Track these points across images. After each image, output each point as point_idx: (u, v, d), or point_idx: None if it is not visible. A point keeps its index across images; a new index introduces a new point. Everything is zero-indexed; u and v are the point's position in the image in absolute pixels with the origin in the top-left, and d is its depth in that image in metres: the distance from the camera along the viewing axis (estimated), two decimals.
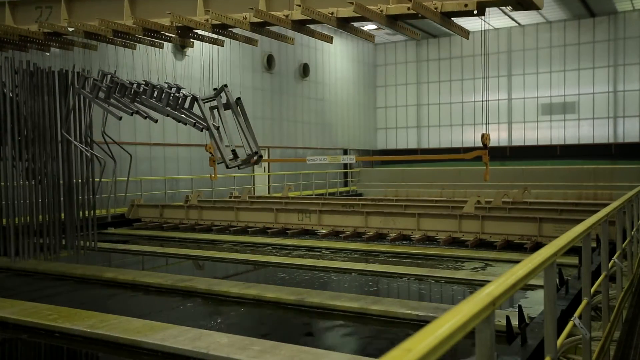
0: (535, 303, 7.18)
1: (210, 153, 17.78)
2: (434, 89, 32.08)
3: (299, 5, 6.62)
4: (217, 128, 7.27)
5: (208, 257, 11.55)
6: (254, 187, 21.54)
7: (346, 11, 6.33)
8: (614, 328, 4.91)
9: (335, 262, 10.58)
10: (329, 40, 8.15)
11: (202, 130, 7.37)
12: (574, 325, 3.32)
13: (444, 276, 9.18)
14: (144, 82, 8.38)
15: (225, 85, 7.31)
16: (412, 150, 31.91)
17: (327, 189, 25.44)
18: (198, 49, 20.87)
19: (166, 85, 8.07)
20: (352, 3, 6.17)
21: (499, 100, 29.91)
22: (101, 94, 8.35)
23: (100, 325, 6.39)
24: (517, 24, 29.10)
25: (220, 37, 8.56)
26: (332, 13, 6.37)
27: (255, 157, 7.38)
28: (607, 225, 4.71)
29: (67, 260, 10.08)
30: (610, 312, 4.88)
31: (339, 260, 10.87)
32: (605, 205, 7.12)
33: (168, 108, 7.06)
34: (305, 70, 26.68)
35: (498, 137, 29.80)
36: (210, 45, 22.05)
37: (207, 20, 7.19)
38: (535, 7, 5.75)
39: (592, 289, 3.91)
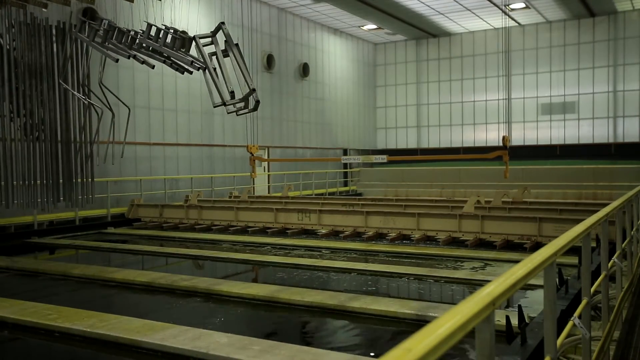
0: (535, 303, 7.18)
1: (251, 153, 17.81)
2: (434, 88, 32.08)
3: None
4: (215, 69, 7.23)
5: (208, 256, 11.55)
6: (253, 187, 21.53)
7: None
8: (613, 328, 4.92)
9: (335, 261, 10.58)
10: None
11: (198, 70, 7.31)
12: (574, 325, 3.32)
13: (443, 276, 9.18)
14: (141, 31, 8.31)
15: (223, 23, 7.22)
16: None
17: (327, 189, 25.44)
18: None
19: (164, 27, 8.01)
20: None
21: (498, 100, 29.91)
22: (98, 39, 8.28)
23: (100, 325, 6.39)
24: (516, 24, 29.11)
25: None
26: None
27: (253, 97, 7.27)
28: (607, 225, 4.71)
29: (67, 260, 10.09)
30: (610, 311, 4.88)
31: (339, 260, 10.86)
32: (605, 205, 7.12)
33: (165, 47, 7.02)
34: (305, 70, 26.68)
35: (498, 137, 29.80)
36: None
37: None
38: None
39: (592, 289, 3.91)
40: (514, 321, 5.46)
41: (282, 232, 14.12)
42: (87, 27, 8.21)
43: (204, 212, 15.73)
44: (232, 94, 7.07)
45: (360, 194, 25.81)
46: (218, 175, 21.42)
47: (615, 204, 5.50)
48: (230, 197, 18.64)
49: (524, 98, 29.69)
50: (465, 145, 31.12)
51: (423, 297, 8.34)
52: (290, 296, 7.67)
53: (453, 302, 7.70)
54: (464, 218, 12.37)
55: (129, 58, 7.90)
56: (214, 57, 7.64)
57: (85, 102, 8.48)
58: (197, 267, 11.13)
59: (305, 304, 7.44)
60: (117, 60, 8.02)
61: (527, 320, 5.40)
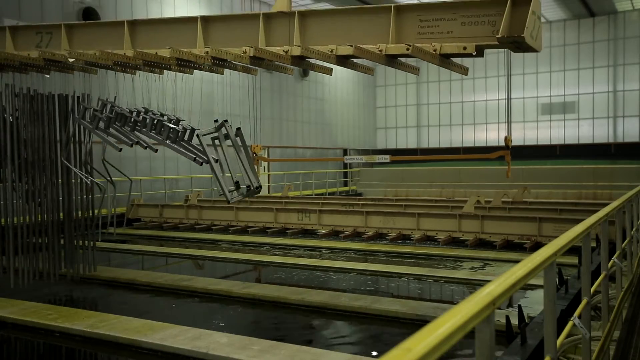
0: (535, 303, 7.18)
1: (254, 153, 17.83)
2: (434, 88, 32.08)
3: (299, 46, 6.50)
4: (217, 161, 7.22)
5: (208, 256, 11.55)
6: None
7: (345, 49, 6.18)
8: (613, 328, 4.91)
9: (335, 261, 10.58)
10: (329, 72, 7.99)
11: (201, 165, 7.30)
12: (574, 325, 3.32)
13: (443, 276, 9.18)
14: (143, 110, 8.28)
15: (226, 121, 7.22)
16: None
17: (326, 189, 25.44)
18: None
19: (166, 118, 7.95)
20: (351, 46, 6.14)
21: (498, 100, 29.92)
22: (101, 124, 8.27)
23: (100, 324, 6.39)
24: None
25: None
26: (332, 51, 6.22)
27: (256, 189, 7.30)
28: (607, 225, 4.71)
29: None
30: (610, 311, 4.88)
31: (339, 260, 10.86)
32: (605, 205, 7.13)
33: (168, 141, 7.02)
34: (305, 70, 26.68)
35: (498, 137, 29.80)
36: None
37: (207, 53, 7.09)
38: (534, 50, 5.72)
39: (592, 289, 3.91)
40: (514, 321, 5.46)
41: (282, 232, 14.12)
42: (90, 112, 8.16)
43: (204, 212, 15.73)
44: (236, 184, 7.09)
45: (360, 194, 25.81)
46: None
47: (615, 204, 5.50)
48: None
49: (524, 98, 29.69)
50: (465, 145, 31.13)
51: (423, 297, 8.34)
52: (290, 296, 7.67)
53: (453, 302, 7.70)
54: (464, 218, 12.37)
55: (131, 146, 7.86)
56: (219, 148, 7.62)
57: (88, 181, 8.52)
58: (197, 267, 11.12)
59: (306, 304, 7.44)
60: (120, 150, 7.99)
61: (527, 320, 5.40)
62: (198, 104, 21.01)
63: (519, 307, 5.50)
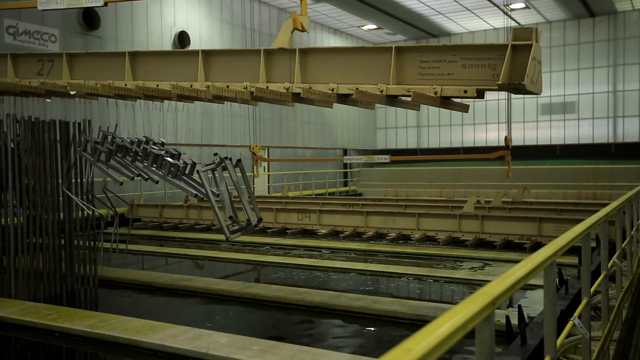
0: (535, 303, 7.18)
1: (254, 153, 17.84)
2: None
3: (300, 85, 6.43)
4: (217, 196, 7.19)
5: (208, 256, 11.55)
6: (253, 187, 21.52)
7: (346, 88, 6.14)
8: (613, 328, 4.91)
9: (335, 261, 10.58)
10: (330, 106, 7.92)
11: (202, 200, 7.26)
12: (574, 325, 3.32)
13: (443, 276, 9.18)
14: (144, 139, 8.24)
15: (227, 157, 7.17)
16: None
17: (326, 189, 25.44)
18: (198, 47, 20.88)
19: (165, 152, 7.85)
20: (352, 89, 6.10)
21: (498, 100, 29.92)
22: (103, 155, 8.22)
23: (99, 325, 6.39)
24: (517, 24, 29.09)
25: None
26: (332, 90, 6.18)
27: (255, 225, 7.25)
28: (607, 225, 4.71)
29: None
30: (610, 311, 4.88)
31: (338, 260, 10.86)
32: (605, 205, 7.13)
33: (169, 177, 7.01)
34: None
35: (498, 137, 29.80)
36: (211, 45, 22.03)
37: (208, 87, 7.04)
38: (534, 94, 5.71)
39: (592, 289, 3.91)
40: (514, 321, 5.46)
41: (282, 232, 14.12)
42: (91, 144, 8.11)
43: (204, 212, 15.72)
44: (230, 218, 7.04)
45: (360, 194, 25.80)
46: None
47: (615, 204, 5.50)
48: (230, 197, 18.61)
49: (524, 98, 29.66)
50: (465, 145, 31.12)
51: (423, 297, 8.34)
52: (290, 296, 7.67)
53: (453, 302, 7.70)
54: (463, 218, 12.37)
55: (132, 179, 7.82)
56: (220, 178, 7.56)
57: (89, 211, 8.51)
58: (197, 267, 11.12)
59: (306, 304, 7.44)
60: (121, 184, 7.96)
61: (526, 320, 5.40)
62: (198, 104, 21.01)
63: (519, 307, 5.50)
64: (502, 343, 4.97)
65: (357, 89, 6.09)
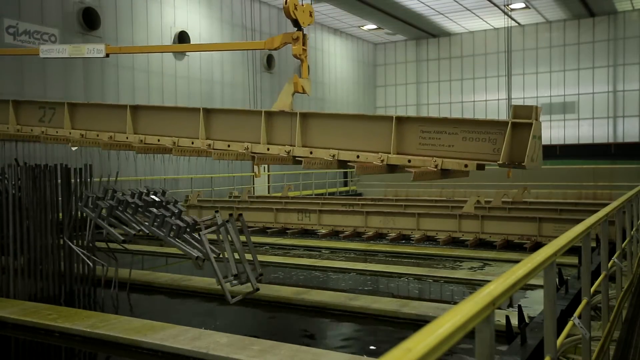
0: (535, 303, 7.18)
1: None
2: (434, 88, 32.09)
3: (301, 151, 6.43)
4: (219, 255, 7.16)
5: None
6: (253, 187, 21.54)
7: (347, 155, 6.12)
8: (613, 328, 4.91)
9: (334, 261, 10.58)
10: (332, 168, 7.79)
11: (204, 262, 7.22)
12: (574, 325, 3.32)
13: (443, 276, 9.18)
14: (145, 191, 8.21)
15: (227, 221, 7.12)
16: None
17: (326, 189, 25.44)
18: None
19: (169, 212, 7.77)
20: (353, 157, 6.09)
21: (498, 100, 29.92)
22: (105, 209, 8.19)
23: (100, 325, 6.39)
24: (517, 24, 29.11)
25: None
26: (334, 156, 6.17)
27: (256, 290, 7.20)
28: (607, 225, 4.71)
29: None
30: (610, 311, 4.88)
31: (338, 260, 10.86)
32: (604, 205, 7.12)
33: (170, 237, 7.00)
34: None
35: None
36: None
37: (209, 146, 6.98)
38: (533, 169, 5.70)
39: (592, 289, 3.91)
40: (514, 321, 5.46)
41: (282, 232, 14.12)
42: (93, 199, 8.07)
43: (204, 212, 15.72)
44: (235, 276, 7.00)
45: (360, 194, 25.79)
46: (218, 175, 21.42)
47: (615, 204, 5.50)
48: (230, 197, 18.64)
49: (523, 98, 29.67)
50: None
51: (423, 297, 8.34)
52: (290, 296, 7.67)
53: (453, 302, 7.70)
54: (463, 218, 12.37)
55: (134, 237, 7.76)
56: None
57: (90, 263, 8.51)
58: (196, 267, 11.11)
59: (305, 304, 7.44)
60: (122, 242, 7.91)
61: (526, 320, 5.40)
62: (198, 104, 21.02)
63: (519, 307, 5.50)
64: (502, 343, 4.97)
65: (358, 156, 6.06)
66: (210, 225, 7.44)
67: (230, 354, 5.37)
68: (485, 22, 28.65)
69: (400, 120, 5.97)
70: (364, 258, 11.18)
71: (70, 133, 8.15)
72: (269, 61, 24.37)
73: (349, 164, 6.35)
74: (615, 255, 5.43)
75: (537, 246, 10.62)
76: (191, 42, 20.31)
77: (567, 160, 26.49)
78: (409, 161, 5.81)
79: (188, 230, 7.14)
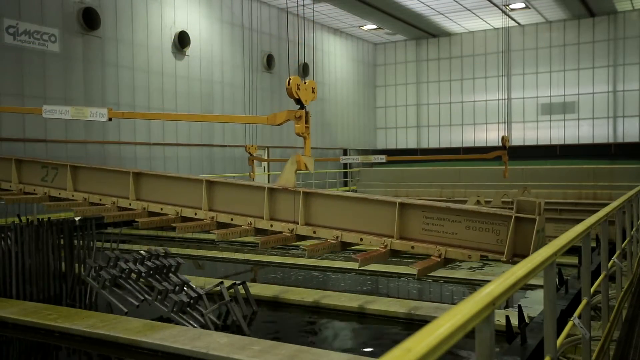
0: (535, 303, 7.18)
1: (250, 153, 17.89)
2: (434, 88, 32.08)
3: (308, 234, 6.43)
4: (221, 326, 7.17)
5: (207, 256, 11.55)
6: None
7: (350, 237, 6.12)
8: (613, 328, 4.91)
9: (334, 261, 10.58)
10: (335, 249, 7.65)
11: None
12: (574, 325, 3.32)
13: (442, 276, 9.17)
14: (148, 255, 8.18)
15: (230, 300, 7.10)
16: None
17: (326, 189, 25.44)
18: (198, 48, 20.87)
19: (172, 284, 7.71)
20: (357, 240, 6.08)
21: (498, 100, 29.92)
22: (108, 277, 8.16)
23: (99, 325, 6.39)
24: (516, 24, 29.11)
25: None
26: (337, 238, 6.17)
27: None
28: (607, 225, 4.71)
29: None
30: (610, 311, 4.88)
31: (337, 259, 10.86)
32: (604, 205, 7.13)
33: (173, 313, 7.00)
34: (305, 70, 26.69)
35: (498, 137, 29.79)
36: (210, 45, 22.07)
37: (212, 219, 6.97)
38: None
39: (592, 289, 3.91)
40: (514, 321, 5.46)
41: None
42: (96, 269, 8.02)
43: None
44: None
45: None
46: (218, 175, 21.44)
47: (615, 204, 5.50)
48: None
49: (523, 98, 29.68)
50: (465, 145, 31.12)
51: (422, 297, 8.34)
52: (290, 296, 7.67)
53: (452, 302, 7.70)
54: None
55: (137, 307, 7.69)
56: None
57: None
58: (197, 266, 11.12)
59: (305, 304, 7.44)
60: (126, 312, 7.86)
61: (527, 320, 5.40)
62: (198, 104, 21.02)
63: (519, 307, 5.50)
64: (502, 343, 4.97)
65: (362, 239, 6.05)
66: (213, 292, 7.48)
67: (230, 354, 5.37)
68: (485, 22, 28.65)
69: (404, 206, 5.98)
70: None
71: (73, 195, 8.21)
72: (269, 61, 24.38)
73: (353, 256, 6.29)
74: (615, 255, 5.43)
75: None
76: (191, 42, 20.30)
77: (567, 160, 26.48)
78: (413, 247, 5.81)
79: (191, 302, 7.12)
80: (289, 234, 6.47)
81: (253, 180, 20.45)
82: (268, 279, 9.69)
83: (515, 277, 1.97)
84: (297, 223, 6.49)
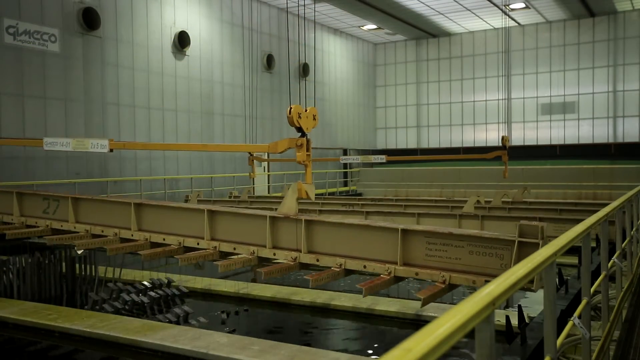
0: (535, 303, 7.18)
1: (250, 153, 17.89)
2: (434, 88, 32.08)
3: (311, 262, 6.42)
4: None
5: None
6: (253, 187, 21.53)
7: (354, 264, 6.12)
8: (613, 328, 4.91)
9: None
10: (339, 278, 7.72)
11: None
12: (574, 325, 3.32)
13: None
14: (150, 285, 8.13)
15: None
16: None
17: (326, 189, 25.44)
18: (198, 48, 20.87)
19: (177, 319, 7.69)
20: (360, 267, 6.08)
21: (498, 100, 29.92)
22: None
23: (99, 325, 6.39)
24: (516, 24, 29.11)
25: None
26: (340, 265, 6.16)
27: None
28: (607, 225, 4.70)
29: None
30: (609, 311, 4.88)
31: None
32: (604, 205, 7.12)
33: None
34: (305, 69, 26.69)
35: (498, 137, 29.80)
36: (210, 45, 22.06)
37: (215, 248, 6.97)
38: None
39: (592, 289, 3.91)
40: (514, 321, 5.46)
41: None
42: (100, 303, 7.99)
43: None
44: None
45: (360, 194, 25.79)
46: (218, 175, 21.43)
47: (615, 204, 5.50)
48: (230, 197, 18.63)
49: (523, 98, 29.68)
50: (465, 145, 31.12)
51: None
52: (290, 296, 7.67)
53: (452, 302, 7.70)
54: (463, 218, 12.36)
55: None
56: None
57: None
58: (197, 267, 11.11)
59: (305, 304, 7.44)
60: None
61: (527, 320, 5.40)
62: (198, 104, 21.01)
63: (519, 307, 5.50)
64: (502, 343, 4.97)
65: (365, 266, 6.06)
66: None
67: (230, 354, 5.37)
68: (485, 22, 28.64)
69: (406, 232, 5.99)
70: None
71: (75, 227, 8.22)
72: (269, 61, 24.37)
73: (358, 285, 6.27)
74: (615, 255, 5.43)
75: None
76: (191, 42, 20.30)
77: (567, 160, 26.48)
78: (417, 274, 5.78)
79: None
80: (292, 263, 6.46)
81: (253, 179, 20.46)
82: (268, 279, 9.68)
83: (515, 277, 1.97)
84: (300, 251, 6.50)
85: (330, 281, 6.21)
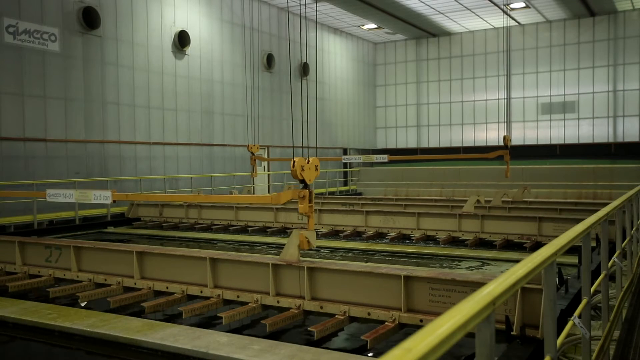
0: None
1: (252, 152, 17.89)
2: (434, 88, 32.08)
3: (315, 309, 6.44)
4: None
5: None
6: (253, 187, 21.53)
7: (358, 311, 6.12)
8: (613, 327, 4.91)
9: (334, 261, 10.57)
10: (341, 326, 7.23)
11: None
12: (574, 324, 3.32)
13: None
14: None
15: None
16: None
17: (326, 188, 25.44)
18: (198, 47, 20.87)
19: None
20: (364, 314, 6.07)
21: (498, 99, 29.92)
22: None
23: (99, 324, 6.39)
24: (517, 23, 29.10)
25: None
26: (345, 313, 6.15)
27: None
28: (607, 224, 4.70)
29: None
30: (610, 311, 4.88)
31: (337, 259, 10.86)
32: (605, 204, 7.12)
33: None
34: (305, 69, 26.69)
35: (498, 136, 29.79)
36: (210, 44, 22.06)
37: (219, 296, 7.00)
38: None
39: (592, 289, 3.91)
40: (512, 320, 5.45)
41: (282, 232, 14.11)
42: None
43: (204, 211, 15.73)
44: None
45: (360, 194, 25.80)
46: (218, 174, 21.43)
47: (615, 203, 5.50)
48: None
49: (524, 98, 29.68)
50: (465, 145, 31.12)
51: None
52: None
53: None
54: (463, 217, 12.37)
55: None
56: None
57: None
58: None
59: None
60: None
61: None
62: (198, 103, 21.01)
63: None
64: (502, 343, 4.97)
65: (369, 313, 6.06)
66: None
67: (230, 353, 5.37)
68: (486, 21, 28.64)
69: (409, 279, 5.97)
70: (364, 258, 11.18)
71: (77, 276, 8.23)
72: (269, 61, 24.36)
73: (362, 337, 6.22)
74: (615, 254, 5.43)
75: (537, 246, 10.62)
76: (191, 42, 20.31)
77: (567, 160, 26.47)
78: (421, 321, 5.78)
79: None
80: (296, 311, 6.49)
81: (254, 179, 20.45)
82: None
83: (515, 277, 1.97)
84: (304, 298, 6.52)
85: (334, 330, 6.20)
